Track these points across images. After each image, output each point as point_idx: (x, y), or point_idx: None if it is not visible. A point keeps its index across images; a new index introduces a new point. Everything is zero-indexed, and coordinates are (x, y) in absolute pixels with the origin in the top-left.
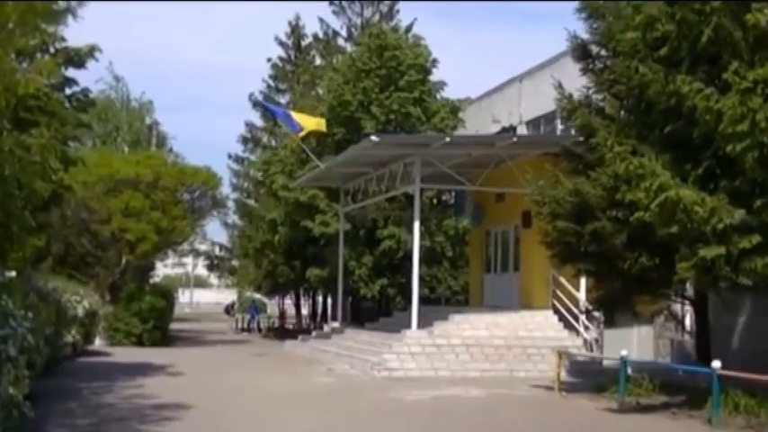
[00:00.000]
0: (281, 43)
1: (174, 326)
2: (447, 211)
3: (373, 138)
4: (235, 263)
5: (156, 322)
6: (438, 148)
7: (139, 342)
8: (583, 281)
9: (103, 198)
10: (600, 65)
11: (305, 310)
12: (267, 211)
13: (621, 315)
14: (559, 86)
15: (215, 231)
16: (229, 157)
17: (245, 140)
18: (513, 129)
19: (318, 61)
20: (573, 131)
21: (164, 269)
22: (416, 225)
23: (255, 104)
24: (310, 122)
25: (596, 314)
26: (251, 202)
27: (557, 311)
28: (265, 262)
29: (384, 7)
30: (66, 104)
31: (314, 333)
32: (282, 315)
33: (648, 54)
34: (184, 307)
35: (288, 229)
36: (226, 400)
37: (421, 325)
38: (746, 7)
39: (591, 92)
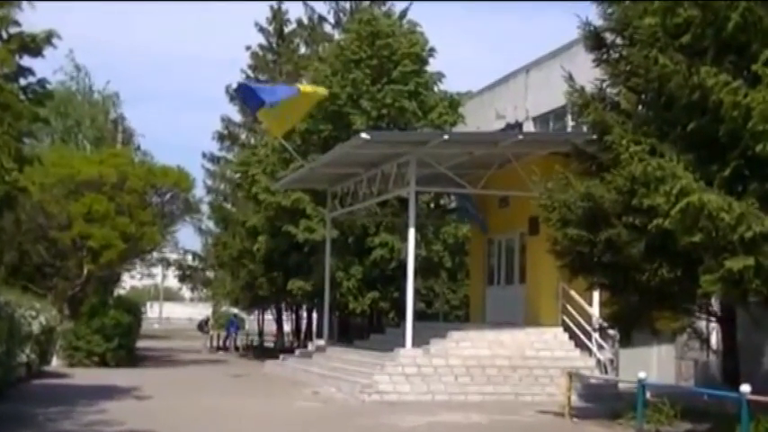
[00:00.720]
0: (262, 29)
1: (141, 344)
2: (445, 216)
3: (364, 135)
4: (209, 274)
5: (122, 340)
6: (435, 146)
7: (102, 362)
8: (596, 295)
9: (63, 201)
10: (615, 54)
11: (287, 327)
12: (245, 215)
13: (639, 333)
14: (570, 78)
15: (187, 239)
16: (203, 156)
17: (220, 137)
18: (518, 125)
19: (303, 50)
20: (585, 129)
21: (130, 280)
22: (411, 232)
23: (234, 97)
24: (308, 89)
25: (611, 332)
26: (227, 206)
27: (567, 329)
28: (243, 273)
29: None
30: (21, 97)
31: (297, 352)
32: (261, 331)
33: (669, 42)
34: (153, 323)
35: (268, 235)
36: (198, 427)
37: (416, 343)
38: None
39: (605, 85)
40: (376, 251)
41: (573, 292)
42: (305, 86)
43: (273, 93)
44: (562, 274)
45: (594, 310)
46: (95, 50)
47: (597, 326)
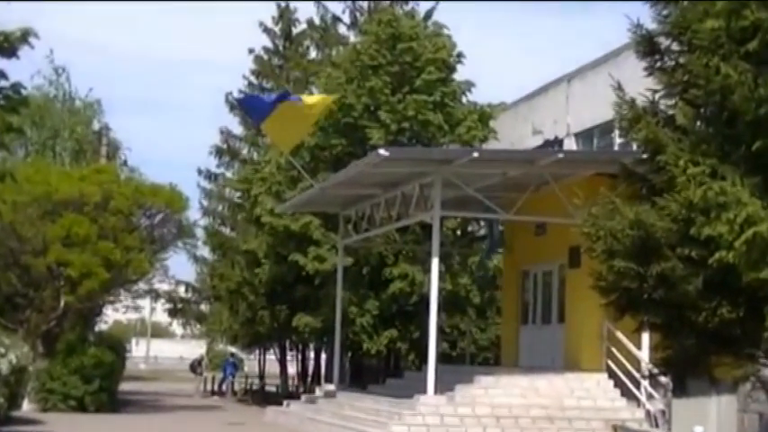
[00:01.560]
0: (267, 30)
1: (125, 386)
2: (474, 245)
3: (382, 151)
4: (204, 307)
5: (103, 382)
6: (463, 165)
7: (81, 407)
8: (645, 337)
9: (38, 223)
10: (670, 62)
11: (292, 369)
12: (246, 241)
13: (695, 381)
14: (618, 88)
15: (180, 267)
16: (199, 172)
17: (219, 152)
18: (558, 142)
19: (314, 54)
20: (635, 146)
21: (114, 314)
22: (435, 262)
23: (234, 106)
24: (312, 99)
25: (663, 379)
26: (226, 230)
27: (612, 375)
28: (243, 306)
29: None
30: None
31: (303, 398)
32: (262, 374)
33: (733, 49)
34: (139, 362)
35: (272, 264)
36: None
37: (439, 389)
38: None
39: (658, 97)
40: (394, 284)
41: (619, 334)
42: (308, 97)
43: (272, 98)
44: (607, 312)
45: (644, 354)
46: (77, 52)
47: (647, 372)
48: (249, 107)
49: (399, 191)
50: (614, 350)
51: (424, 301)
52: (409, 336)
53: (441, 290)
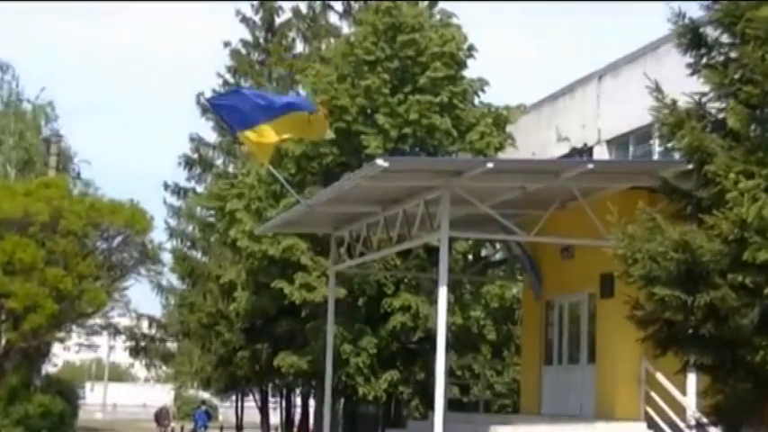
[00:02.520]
0: (246, 20)
1: None
2: (488, 271)
3: (380, 162)
4: (171, 345)
5: None
6: (476, 177)
7: None
8: (692, 379)
9: None
10: (720, 56)
11: (275, 418)
12: (221, 267)
13: (752, 431)
14: (656, 89)
15: (143, 298)
16: (165, 187)
17: (189, 163)
18: (588, 150)
19: (300, 47)
20: (678, 156)
21: (65, 354)
22: (443, 292)
23: (207, 109)
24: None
25: (713, 430)
26: (197, 254)
27: (652, 425)
28: (217, 344)
29: None
30: None
31: None
32: (240, 425)
33: None
34: (95, 411)
35: (251, 294)
36: None
37: None
38: None
39: (706, 98)
40: (395, 317)
41: (660, 376)
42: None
43: (271, 103)
44: (645, 349)
45: (690, 401)
46: (23, 48)
47: (693, 422)
48: (226, 110)
49: (401, 208)
50: (654, 395)
51: (431, 337)
52: (413, 379)
53: (449, 324)
